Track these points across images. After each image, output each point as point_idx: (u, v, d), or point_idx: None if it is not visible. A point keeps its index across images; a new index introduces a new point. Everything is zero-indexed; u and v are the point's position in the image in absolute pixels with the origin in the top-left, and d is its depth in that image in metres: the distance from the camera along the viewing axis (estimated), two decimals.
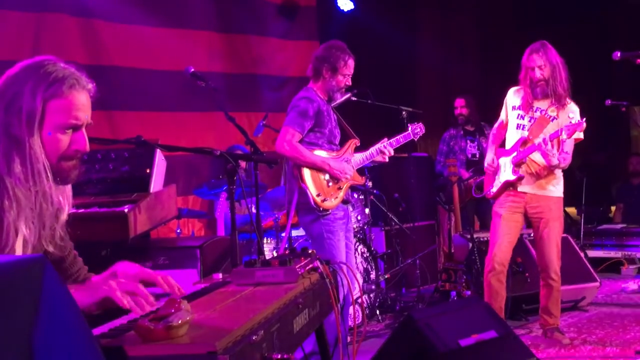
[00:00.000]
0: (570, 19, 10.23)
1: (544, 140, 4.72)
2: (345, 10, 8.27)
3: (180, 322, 1.57)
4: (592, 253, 7.91)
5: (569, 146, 4.85)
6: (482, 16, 10.13)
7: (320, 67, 4.82)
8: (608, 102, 5.97)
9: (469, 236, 6.15)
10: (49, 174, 1.95)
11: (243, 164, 6.07)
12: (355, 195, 6.21)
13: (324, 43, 5.06)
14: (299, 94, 4.81)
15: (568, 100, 4.90)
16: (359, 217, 6.10)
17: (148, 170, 3.58)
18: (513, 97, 5.05)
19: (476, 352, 3.06)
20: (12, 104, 1.91)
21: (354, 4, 8.22)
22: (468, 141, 7.48)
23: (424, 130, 5.32)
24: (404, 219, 7.01)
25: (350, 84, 4.93)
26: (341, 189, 4.71)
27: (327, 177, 4.65)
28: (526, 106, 4.94)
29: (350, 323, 5.48)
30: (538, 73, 4.83)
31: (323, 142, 4.72)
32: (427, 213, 7.44)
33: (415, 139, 5.31)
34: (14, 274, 1.31)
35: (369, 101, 5.85)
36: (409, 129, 5.26)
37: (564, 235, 6.69)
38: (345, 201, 4.77)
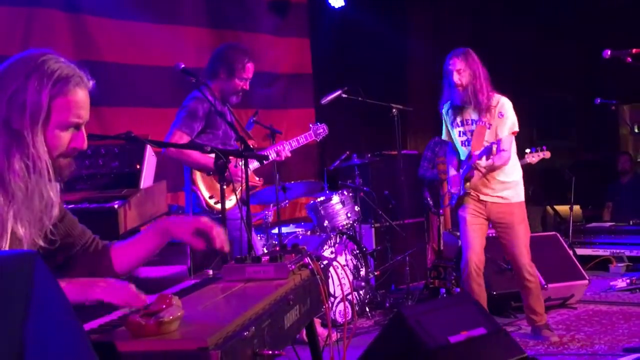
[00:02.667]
0: (561, 18, 10.26)
1: (473, 157, 4.79)
2: (336, 7, 8.26)
3: (171, 317, 1.57)
4: (580, 251, 7.95)
5: (505, 144, 4.82)
6: (474, 14, 10.15)
7: (217, 67, 4.65)
8: (597, 100, 5.99)
9: (458, 234, 6.16)
10: (50, 172, 1.94)
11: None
12: (346, 193, 6.22)
13: (224, 43, 4.86)
14: (191, 93, 4.62)
15: (492, 101, 4.86)
16: (349, 214, 6.10)
17: (138, 166, 3.57)
18: (448, 116, 5.07)
19: (466, 349, 3.07)
20: (14, 98, 1.89)
21: (345, 1, 8.21)
22: None
23: (327, 132, 5.27)
24: (394, 216, 7.03)
25: (248, 88, 4.74)
26: (235, 190, 4.63)
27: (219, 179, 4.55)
28: (459, 122, 4.96)
29: (340, 319, 5.50)
30: (456, 77, 4.82)
31: (217, 144, 4.50)
32: (417, 210, 7.45)
33: (318, 140, 5.27)
34: (5, 269, 1.31)
35: (360, 98, 5.86)
36: (311, 129, 5.21)
37: (553, 233, 6.75)
38: (243, 201, 4.69)
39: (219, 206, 4.36)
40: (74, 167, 2.06)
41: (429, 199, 7.14)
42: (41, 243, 2.02)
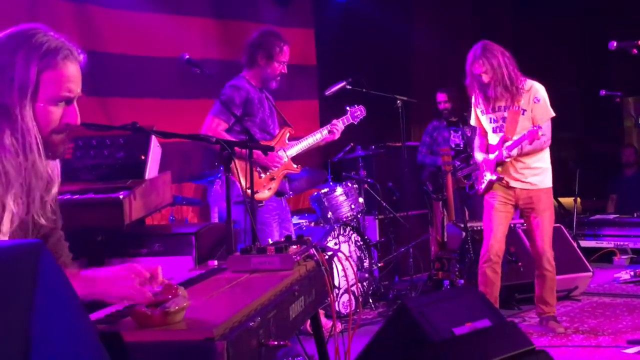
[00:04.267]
0: (567, 8, 10.21)
1: (507, 147, 4.85)
2: None
3: (177, 308, 1.57)
4: (584, 243, 7.95)
5: (546, 129, 4.88)
6: (479, 4, 10.11)
7: (255, 54, 4.72)
8: (602, 92, 5.97)
9: (462, 225, 6.16)
10: (40, 147, 1.90)
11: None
12: (350, 184, 6.21)
13: (257, 31, 4.89)
14: (229, 82, 4.71)
15: (524, 85, 4.92)
16: (352, 206, 6.10)
17: (143, 157, 3.57)
18: (477, 104, 5.10)
19: (471, 341, 3.07)
20: (2, 73, 1.85)
21: None
22: (452, 131, 7.47)
23: (364, 113, 5.27)
24: (398, 208, 7.02)
25: (286, 72, 4.82)
26: (274, 179, 4.66)
27: (258, 168, 4.57)
28: (490, 109, 5.01)
29: (344, 311, 5.51)
30: (484, 78, 4.88)
31: (254, 131, 4.60)
32: (421, 202, 7.44)
33: (355, 123, 5.27)
34: (10, 259, 1.31)
35: (364, 90, 5.84)
36: (348, 111, 5.22)
37: (557, 225, 6.72)
38: (279, 193, 4.73)
39: (257, 196, 4.41)
40: (68, 143, 2.01)
41: (428, 184, 7.14)
42: (43, 222, 1.98)
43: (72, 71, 1.93)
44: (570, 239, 6.52)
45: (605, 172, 9.92)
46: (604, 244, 8.21)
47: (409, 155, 6.38)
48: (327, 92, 5.79)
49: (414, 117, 9.03)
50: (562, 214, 9.27)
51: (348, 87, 5.72)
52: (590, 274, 6.20)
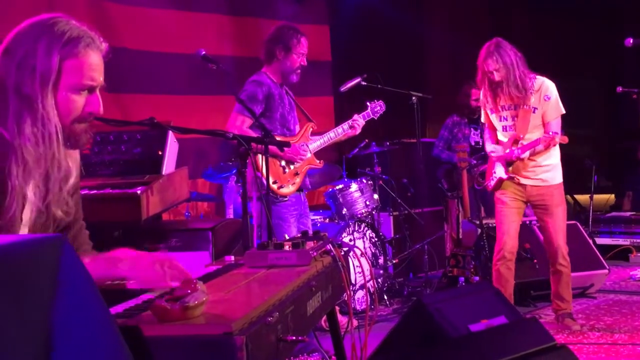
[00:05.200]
0: (583, 4, 10.15)
1: (518, 149, 4.85)
2: None
3: (196, 302, 1.57)
4: (600, 240, 7.90)
5: (556, 127, 4.87)
6: (494, 1, 10.07)
7: (273, 48, 4.74)
8: (619, 89, 5.93)
9: (477, 222, 6.14)
10: (59, 137, 1.88)
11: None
12: (365, 181, 6.21)
13: (274, 27, 4.92)
14: (250, 78, 4.73)
15: (534, 84, 4.90)
16: (367, 202, 6.09)
17: (160, 152, 3.58)
18: (487, 102, 5.08)
19: (491, 337, 3.06)
20: (24, 62, 1.84)
21: None
22: (472, 129, 7.42)
23: (384, 108, 5.28)
24: (413, 204, 7.01)
25: (306, 64, 4.84)
26: (298, 174, 4.68)
27: (282, 163, 4.60)
28: (500, 108, 4.99)
29: (358, 307, 5.51)
30: (496, 76, 4.86)
31: (276, 127, 4.63)
32: (436, 198, 7.43)
33: (376, 118, 5.28)
34: (33, 253, 1.31)
35: (379, 86, 5.83)
36: (369, 107, 5.23)
37: (573, 222, 6.70)
38: (299, 189, 4.75)
39: (282, 190, 4.43)
40: (90, 133, 1.99)
41: (443, 182, 7.12)
42: (59, 214, 1.98)
43: (95, 59, 1.92)
44: (586, 236, 6.49)
45: (622, 169, 9.86)
46: (620, 241, 8.15)
47: (424, 151, 6.36)
48: (342, 88, 5.78)
49: (429, 114, 9.02)
50: (578, 211, 9.23)
51: (363, 83, 5.70)
52: (607, 271, 6.17)
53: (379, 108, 5.25)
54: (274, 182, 4.48)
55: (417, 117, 5.95)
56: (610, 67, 10.61)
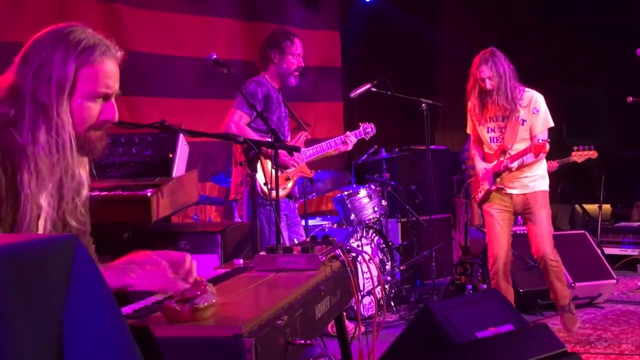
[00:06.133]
0: (594, 14, 10.14)
1: (505, 160, 4.86)
2: (367, 0, 8.25)
3: (206, 304, 1.59)
4: (609, 250, 7.86)
5: (542, 137, 4.87)
6: (506, 8, 10.07)
7: (267, 53, 4.76)
8: (630, 99, 5.93)
9: (485, 230, 6.12)
10: (73, 145, 1.89)
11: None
12: (373, 186, 6.21)
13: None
14: (250, 79, 4.76)
15: (523, 96, 4.91)
16: (375, 208, 6.09)
17: (171, 155, 3.60)
18: (475, 113, 5.08)
19: (500, 343, 3.06)
20: (40, 70, 1.85)
21: None
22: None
23: (374, 131, 5.39)
24: (421, 211, 7.01)
25: (303, 65, 4.85)
26: (289, 179, 4.69)
27: (275, 166, 4.60)
28: (488, 119, 5.00)
29: (365, 313, 5.51)
30: (488, 84, 4.87)
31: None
32: (444, 206, 7.42)
33: (366, 138, 5.38)
34: (46, 253, 1.32)
35: (389, 92, 5.84)
36: (361, 127, 5.34)
37: (581, 231, 6.69)
38: (289, 195, 4.76)
39: (272, 193, 4.43)
40: (106, 140, 2.01)
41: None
42: (74, 223, 1.98)
43: (110, 67, 1.94)
44: (595, 246, 6.47)
45: (631, 179, 9.83)
46: (628, 251, 8.11)
47: (433, 158, 6.37)
48: (353, 94, 5.80)
49: (439, 121, 9.02)
50: (586, 220, 9.21)
51: (373, 89, 5.72)
52: (614, 281, 6.15)
53: (370, 130, 5.36)
54: (265, 184, 4.47)
55: (427, 124, 5.96)
56: (620, 77, 10.58)
